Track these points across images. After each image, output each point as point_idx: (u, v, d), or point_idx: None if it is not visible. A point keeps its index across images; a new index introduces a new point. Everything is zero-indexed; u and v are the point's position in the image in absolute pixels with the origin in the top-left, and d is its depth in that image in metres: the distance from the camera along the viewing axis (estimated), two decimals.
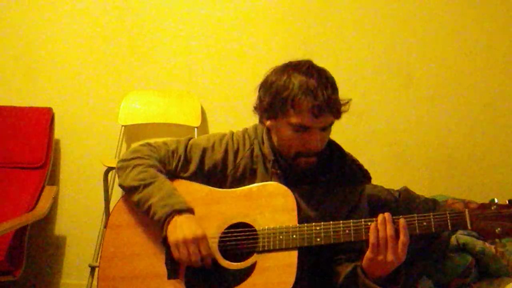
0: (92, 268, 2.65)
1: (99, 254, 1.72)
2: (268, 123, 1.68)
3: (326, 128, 1.62)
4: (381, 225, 1.50)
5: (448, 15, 2.67)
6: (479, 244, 2.09)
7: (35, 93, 2.90)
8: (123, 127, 2.81)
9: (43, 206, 2.61)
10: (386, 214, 1.51)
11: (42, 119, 2.80)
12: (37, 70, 2.91)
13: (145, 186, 1.64)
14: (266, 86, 1.65)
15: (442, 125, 2.71)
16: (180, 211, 1.59)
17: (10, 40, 2.92)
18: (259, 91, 1.69)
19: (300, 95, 1.55)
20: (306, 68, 1.61)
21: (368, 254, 1.50)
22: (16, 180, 2.72)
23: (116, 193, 2.74)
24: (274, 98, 1.61)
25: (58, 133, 2.86)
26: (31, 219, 2.54)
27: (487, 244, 2.11)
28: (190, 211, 1.61)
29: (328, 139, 1.66)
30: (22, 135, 2.78)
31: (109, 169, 2.55)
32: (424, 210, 2.07)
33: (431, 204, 2.15)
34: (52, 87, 2.91)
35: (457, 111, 2.69)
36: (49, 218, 2.87)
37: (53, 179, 2.88)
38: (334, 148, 1.74)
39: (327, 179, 1.70)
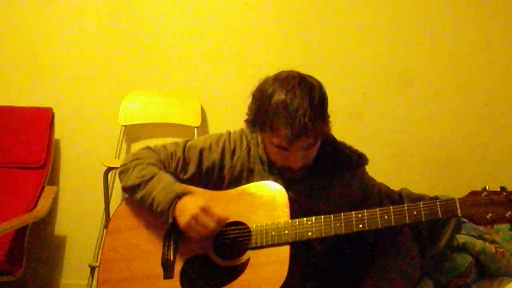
0: (92, 268, 2.65)
1: (99, 258, 1.75)
2: (255, 133, 1.72)
3: (309, 147, 1.61)
4: None
5: (448, 15, 2.67)
6: (479, 244, 2.09)
7: (35, 93, 2.90)
8: (123, 127, 2.81)
9: (43, 206, 2.61)
10: None
11: (42, 119, 2.80)
12: (37, 70, 2.91)
13: (147, 181, 1.67)
14: (253, 97, 1.66)
15: (442, 125, 2.71)
16: (181, 195, 1.61)
17: (10, 40, 2.92)
18: (250, 100, 1.69)
19: (278, 119, 1.55)
20: (292, 85, 1.57)
21: None
22: (16, 180, 2.72)
23: (116, 193, 2.75)
24: (256, 114, 1.62)
25: (58, 133, 2.86)
26: (31, 219, 2.54)
27: (487, 244, 2.11)
28: (190, 192, 1.64)
29: (314, 154, 1.66)
30: (22, 135, 2.78)
31: (109, 169, 2.55)
32: None
33: None
34: (52, 87, 2.91)
35: (457, 111, 2.69)
36: (49, 218, 2.87)
37: (53, 179, 2.88)
38: (325, 140, 1.74)
39: (324, 171, 1.71)
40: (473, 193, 1.48)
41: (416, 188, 2.26)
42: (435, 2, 2.67)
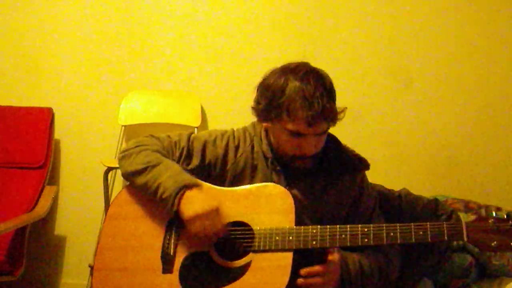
0: (92, 268, 2.64)
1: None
2: (265, 124, 1.70)
3: (322, 134, 1.62)
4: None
5: (448, 15, 2.67)
6: None
7: (35, 93, 2.91)
8: (123, 127, 2.81)
9: (43, 206, 2.61)
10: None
11: (42, 119, 2.80)
12: (37, 70, 2.91)
13: (153, 167, 1.63)
14: (263, 88, 1.65)
15: (442, 125, 2.71)
16: (190, 186, 1.59)
17: (10, 40, 2.92)
18: (256, 92, 1.69)
19: (295, 103, 1.55)
20: (303, 73, 1.59)
21: None
22: (16, 180, 2.72)
23: (116, 193, 2.75)
24: (270, 102, 1.61)
25: (58, 133, 2.86)
26: (31, 219, 2.54)
27: None
28: (200, 186, 1.61)
29: (324, 142, 1.67)
30: (22, 135, 2.78)
31: (109, 169, 2.55)
32: (426, 214, 2.07)
33: (433, 205, 2.15)
34: (52, 87, 2.91)
35: (457, 111, 2.69)
36: (49, 218, 2.87)
37: (53, 179, 2.88)
38: (329, 139, 1.75)
39: (327, 171, 1.72)
40: (480, 218, 1.50)
41: (416, 188, 2.26)
42: (435, 2, 2.68)
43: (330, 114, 1.57)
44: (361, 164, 1.76)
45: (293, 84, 1.57)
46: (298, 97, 1.55)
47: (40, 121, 2.80)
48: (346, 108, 1.62)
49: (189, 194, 1.58)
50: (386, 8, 2.70)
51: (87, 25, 2.87)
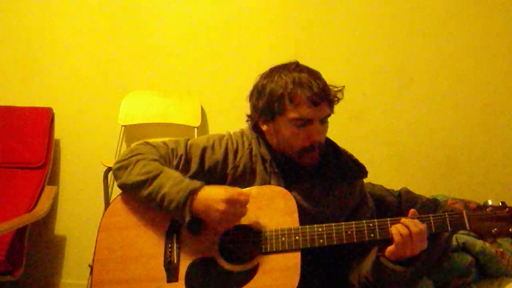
0: (92, 268, 2.64)
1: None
2: (265, 127, 1.70)
3: (324, 121, 1.66)
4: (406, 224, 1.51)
5: (448, 15, 2.67)
6: (479, 244, 2.09)
7: (35, 93, 2.91)
8: (123, 127, 2.81)
9: (43, 206, 2.61)
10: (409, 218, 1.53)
11: (42, 119, 2.80)
12: (37, 70, 2.91)
13: (154, 178, 1.59)
14: (258, 91, 1.68)
15: (441, 125, 2.71)
16: (195, 191, 1.55)
17: (10, 40, 2.92)
18: (250, 99, 1.72)
19: (296, 90, 1.60)
20: (294, 66, 1.67)
21: (393, 249, 1.51)
22: (16, 180, 2.72)
23: (116, 193, 2.73)
24: (269, 99, 1.64)
25: (58, 133, 2.86)
26: (31, 219, 2.54)
27: (487, 244, 2.11)
28: (203, 186, 1.57)
29: (326, 134, 1.69)
30: (22, 135, 2.78)
31: (109, 169, 2.55)
32: (426, 212, 2.07)
33: (433, 205, 2.15)
34: (52, 87, 2.91)
35: (457, 111, 2.69)
36: (49, 218, 2.87)
37: (53, 179, 2.88)
38: (329, 144, 1.75)
39: (325, 176, 1.71)
40: (479, 207, 1.55)
41: (416, 188, 2.26)
42: (435, 2, 2.67)
43: (330, 93, 1.63)
44: (360, 171, 1.76)
45: (289, 76, 1.63)
46: (297, 85, 1.61)
47: (40, 121, 2.80)
48: (344, 86, 1.68)
49: (199, 200, 1.54)
50: (385, 7, 2.70)
51: (87, 25, 2.87)
